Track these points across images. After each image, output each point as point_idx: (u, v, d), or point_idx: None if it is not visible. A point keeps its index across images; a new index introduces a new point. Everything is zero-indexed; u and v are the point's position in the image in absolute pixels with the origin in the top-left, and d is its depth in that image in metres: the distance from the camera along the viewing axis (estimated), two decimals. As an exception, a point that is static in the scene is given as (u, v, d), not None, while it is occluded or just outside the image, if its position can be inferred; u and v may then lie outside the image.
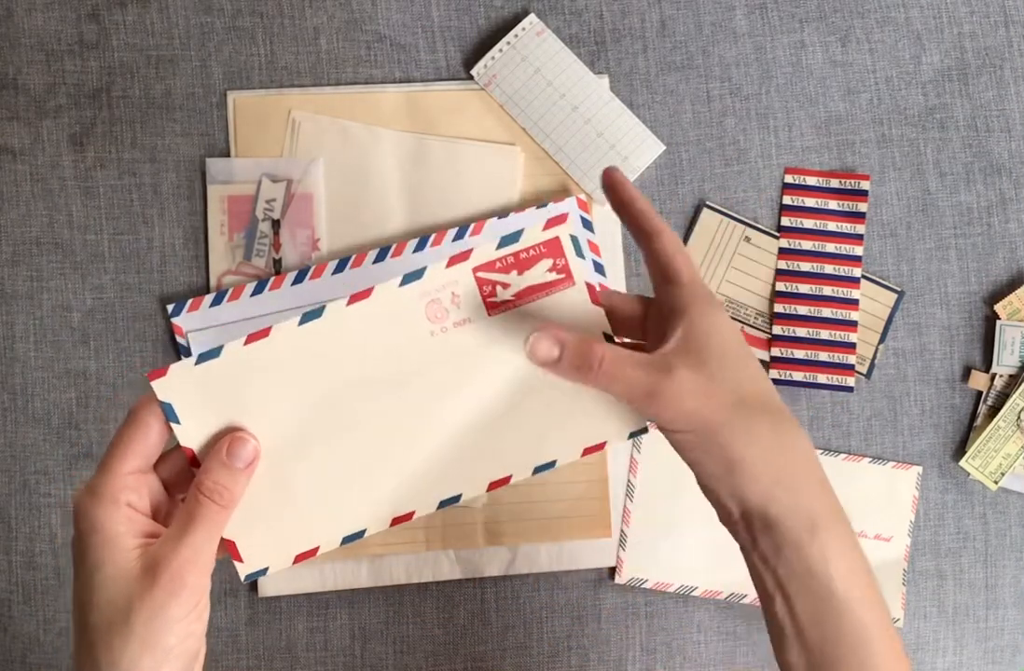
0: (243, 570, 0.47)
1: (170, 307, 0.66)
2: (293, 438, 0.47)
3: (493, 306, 0.48)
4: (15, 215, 0.67)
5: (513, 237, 0.48)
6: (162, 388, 0.45)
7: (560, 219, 0.48)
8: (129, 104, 0.68)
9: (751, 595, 0.67)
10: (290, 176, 0.67)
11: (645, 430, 0.49)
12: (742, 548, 0.45)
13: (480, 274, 0.48)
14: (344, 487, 0.48)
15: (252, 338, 0.46)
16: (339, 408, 0.48)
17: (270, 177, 0.67)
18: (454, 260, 0.48)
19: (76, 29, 0.68)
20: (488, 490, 0.49)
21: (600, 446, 0.49)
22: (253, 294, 0.65)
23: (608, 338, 0.49)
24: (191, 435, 0.46)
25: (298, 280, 0.66)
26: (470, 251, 0.48)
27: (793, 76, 0.69)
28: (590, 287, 0.49)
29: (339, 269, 0.66)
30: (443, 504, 0.49)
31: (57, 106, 0.67)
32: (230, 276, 0.67)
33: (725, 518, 0.45)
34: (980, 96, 0.69)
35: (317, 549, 0.48)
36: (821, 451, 0.68)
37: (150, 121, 0.68)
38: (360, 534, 0.49)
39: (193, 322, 0.66)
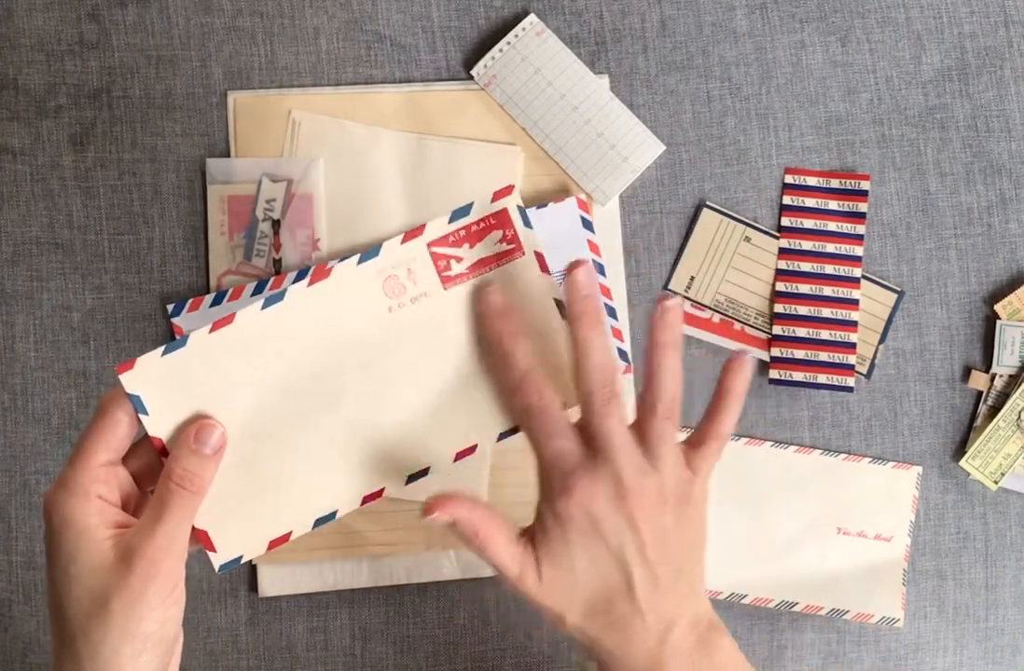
0: (217, 560, 0.47)
1: (170, 307, 0.66)
2: (260, 423, 0.48)
3: (448, 279, 0.49)
4: (15, 215, 0.67)
5: (464, 211, 0.49)
6: (130, 381, 0.46)
7: (507, 191, 0.49)
8: (129, 104, 0.68)
9: (751, 595, 0.67)
10: (290, 176, 0.67)
11: None
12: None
13: (434, 249, 0.49)
14: (312, 469, 0.49)
15: (217, 325, 0.47)
16: (304, 390, 0.48)
17: (270, 177, 0.67)
18: (408, 236, 0.49)
19: (76, 29, 0.68)
20: (455, 461, 0.50)
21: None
22: (253, 294, 0.66)
23: (558, 304, 0.50)
24: (160, 425, 0.46)
25: (298, 280, 0.65)
26: (423, 226, 0.49)
27: (793, 76, 0.69)
28: (539, 256, 0.50)
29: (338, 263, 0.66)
30: (411, 478, 0.50)
31: (57, 106, 0.67)
32: (230, 276, 0.67)
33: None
34: (980, 96, 0.69)
35: (290, 534, 0.49)
36: (821, 451, 0.68)
37: (150, 121, 0.68)
38: (332, 515, 0.49)
39: (193, 322, 0.66)
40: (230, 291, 0.66)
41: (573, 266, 0.48)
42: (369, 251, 0.48)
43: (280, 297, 0.47)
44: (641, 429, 0.48)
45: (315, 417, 0.48)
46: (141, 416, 0.46)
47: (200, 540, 0.47)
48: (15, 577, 0.66)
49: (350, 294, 0.48)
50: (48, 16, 0.68)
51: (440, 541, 0.66)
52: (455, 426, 0.50)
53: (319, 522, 0.49)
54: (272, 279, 0.66)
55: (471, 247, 0.49)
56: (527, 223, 0.50)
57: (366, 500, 0.49)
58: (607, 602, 0.47)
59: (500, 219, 0.50)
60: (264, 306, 0.47)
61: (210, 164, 0.67)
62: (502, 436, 0.50)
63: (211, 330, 0.47)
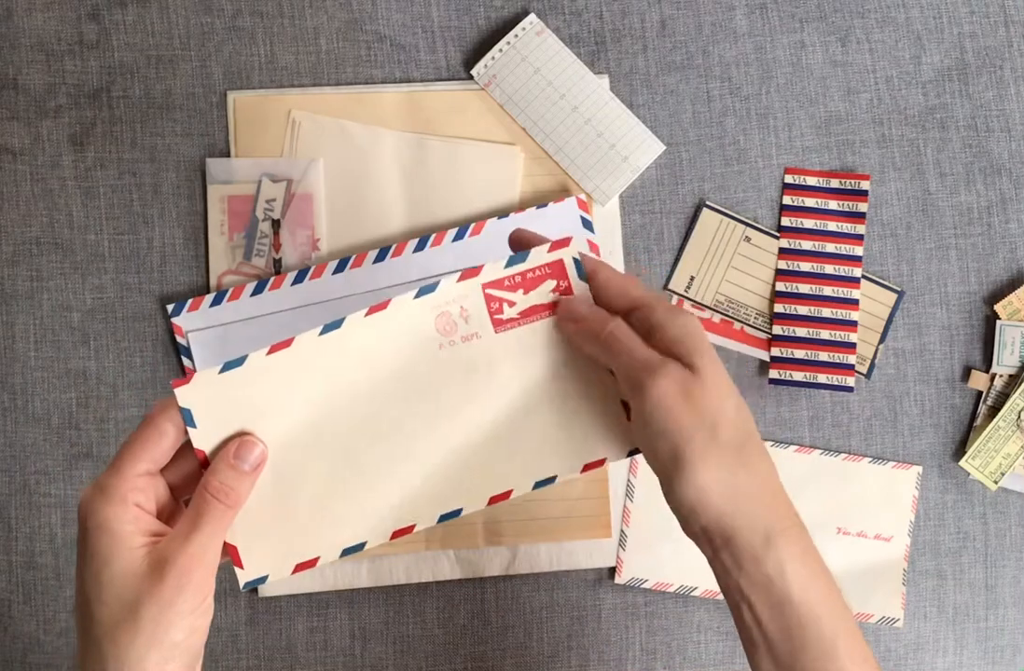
0: (243, 577, 0.48)
1: (170, 307, 0.66)
2: (302, 447, 0.48)
3: (499, 323, 0.50)
4: (15, 215, 0.67)
5: (520, 257, 0.50)
6: (184, 394, 0.46)
7: (564, 242, 0.50)
8: (129, 104, 0.68)
9: (751, 595, 0.67)
10: (290, 176, 0.67)
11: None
12: (708, 560, 0.47)
13: (488, 290, 0.50)
14: (347, 498, 0.49)
15: (275, 348, 0.48)
16: (348, 418, 0.49)
17: (270, 177, 0.67)
18: (465, 275, 0.49)
19: (76, 29, 0.68)
20: (489, 504, 0.50)
21: (600, 462, 0.50)
22: (253, 294, 0.66)
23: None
24: (206, 439, 0.47)
25: (298, 280, 0.66)
26: (481, 267, 0.49)
27: (793, 76, 0.69)
28: (593, 246, 0.50)
29: (339, 269, 0.66)
30: (443, 518, 0.50)
31: (57, 106, 0.67)
32: (230, 276, 0.67)
33: (688, 531, 0.47)
34: (980, 96, 0.69)
35: (317, 559, 0.49)
36: (821, 451, 0.68)
37: (150, 121, 0.68)
38: (360, 546, 0.50)
39: (193, 322, 0.66)
40: (230, 291, 0.66)
41: (562, 305, 0.49)
42: (427, 287, 0.49)
43: (338, 325, 0.48)
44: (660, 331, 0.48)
45: (355, 446, 0.49)
46: (189, 429, 0.46)
47: (229, 554, 0.48)
48: (15, 577, 0.66)
49: (404, 327, 0.49)
50: (48, 16, 0.68)
51: (440, 541, 0.66)
52: (494, 470, 0.50)
53: (347, 552, 0.49)
54: (272, 279, 0.66)
55: (525, 293, 0.50)
56: (582, 276, 0.50)
57: (395, 535, 0.50)
58: (746, 430, 0.46)
59: (556, 269, 0.50)
60: (322, 332, 0.48)
61: (210, 164, 0.67)
62: (538, 485, 0.50)
63: (269, 352, 0.47)
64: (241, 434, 0.47)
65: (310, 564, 0.49)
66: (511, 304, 0.50)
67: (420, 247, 0.66)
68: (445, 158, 0.67)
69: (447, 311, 0.49)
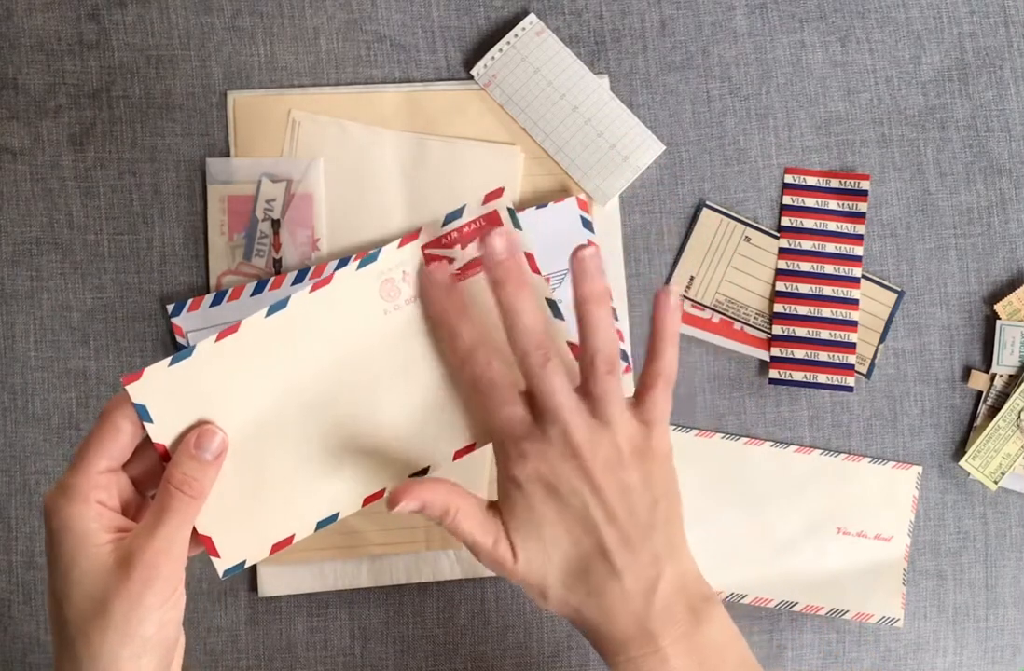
0: (221, 565, 0.48)
1: (170, 307, 0.66)
2: (262, 429, 0.48)
3: None
4: (15, 215, 0.67)
5: (456, 214, 0.50)
6: (137, 391, 0.46)
7: (496, 193, 0.50)
8: (129, 104, 0.68)
9: (751, 595, 0.67)
10: (290, 176, 0.67)
11: None
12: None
13: (427, 251, 0.50)
14: (313, 472, 0.49)
15: (223, 334, 0.47)
16: (305, 394, 0.49)
17: (270, 177, 0.67)
18: (405, 240, 0.50)
19: (76, 29, 0.68)
20: (454, 459, 0.50)
21: None
22: (253, 294, 0.66)
23: (551, 303, 0.50)
24: (164, 432, 0.46)
25: (298, 280, 0.66)
26: (419, 230, 0.50)
27: (793, 76, 0.69)
28: (529, 257, 0.50)
29: (339, 269, 0.66)
30: (413, 477, 0.50)
31: (57, 106, 0.67)
32: (230, 276, 0.67)
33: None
34: (980, 96, 0.69)
35: (292, 537, 0.49)
36: (821, 451, 0.68)
37: (150, 121, 0.68)
38: (334, 517, 0.50)
39: (193, 322, 0.66)
40: (230, 291, 0.66)
41: (486, 236, 0.47)
42: (368, 255, 0.49)
43: (283, 304, 0.48)
44: (585, 388, 0.48)
45: (315, 421, 0.49)
46: (146, 424, 0.46)
47: (204, 545, 0.47)
48: (15, 577, 0.66)
49: (349, 299, 0.49)
50: (48, 16, 0.68)
51: (440, 541, 0.66)
52: (453, 425, 0.50)
53: (321, 524, 0.49)
54: (272, 279, 0.66)
55: (462, 248, 0.50)
56: (517, 225, 0.50)
57: (367, 501, 0.50)
58: (583, 567, 0.47)
59: (491, 221, 0.50)
60: (268, 313, 0.48)
61: (210, 164, 0.67)
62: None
63: (217, 339, 0.47)
64: (200, 423, 0.47)
65: (286, 543, 0.49)
66: (450, 261, 0.50)
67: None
68: (445, 158, 0.67)
69: (391, 277, 0.49)
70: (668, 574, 0.47)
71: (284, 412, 0.48)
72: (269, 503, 0.48)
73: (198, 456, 0.46)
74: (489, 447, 0.50)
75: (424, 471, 0.50)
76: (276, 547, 0.49)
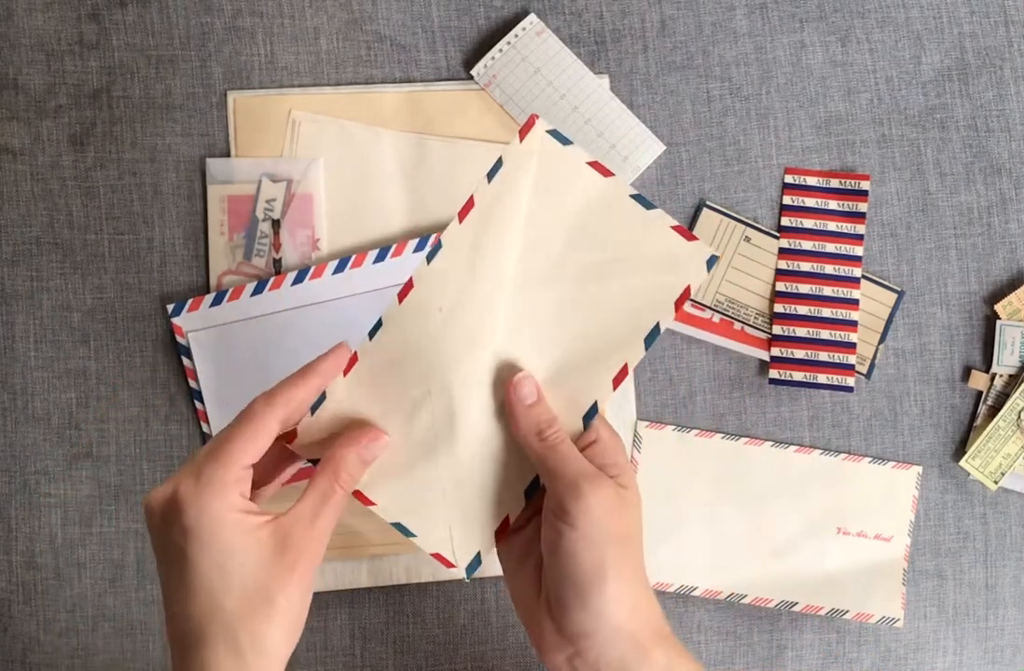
0: (462, 565, 0.50)
1: (170, 307, 0.66)
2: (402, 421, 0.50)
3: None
4: (15, 215, 0.67)
5: (497, 166, 0.50)
6: (298, 447, 0.49)
7: (529, 124, 0.50)
8: (129, 104, 0.68)
9: (751, 595, 0.67)
10: (290, 176, 0.67)
11: (717, 257, 0.50)
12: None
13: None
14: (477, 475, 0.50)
15: (349, 368, 0.49)
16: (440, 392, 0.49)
17: (270, 177, 0.67)
18: (462, 214, 0.50)
19: (76, 29, 0.68)
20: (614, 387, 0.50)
21: (687, 292, 0.49)
22: (253, 294, 0.66)
23: (639, 199, 0.50)
24: (331, 411, 0.49)
25: (298, 280, 0.66)
26: (471, 199, 0.50)
27: (793, 76, 0.69)
28: (594, 164, 0.50)
29: (339, 269, 0.66)
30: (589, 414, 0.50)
31: (57, 106, 0.67)
32: (230, 276, 0.67)
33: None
34: (980, 96, 0.69)
35: (508, 517, 0.50)
36: (821, 451, 0.68)
37: (150, 121, 0.68)
38: (536, 484, 0.50)
39: (193, 322, 0.66)
40: (230, 291, 0.66)
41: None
42: (432, 251, 0.49)
43: (380, 324, 0.49)
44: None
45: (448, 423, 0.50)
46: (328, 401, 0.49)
47: (440, 562, 0.50)
48: (15, 577, 0.66)
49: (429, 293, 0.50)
50: (48, 16, 0.68)
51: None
52: (606, 346, 0.50)
53: (527, 493, 0.50)
54: (272, 279, 0.66)
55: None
56: (566, 142, 0.50)
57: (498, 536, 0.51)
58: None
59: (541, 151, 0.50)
60: (370, 333, 0.49)
61: (210, 164, 0.67)
62: (648, 340, 0.50)
63: (344, 374, 0.49)
64: (362, 424, 0.49)
65: (505, 525, 0.50)
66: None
67: (420, 247, 0.66)
68: (445, 158, 0.67)
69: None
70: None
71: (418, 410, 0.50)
72: (464, 500, 0.50)
73: (364, 458, 0.48)
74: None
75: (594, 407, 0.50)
76: (498, 532, 0.50)
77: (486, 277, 0.49)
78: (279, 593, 0.44)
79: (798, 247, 0.68)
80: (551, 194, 0.50)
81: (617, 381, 0.49)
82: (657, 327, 0.49)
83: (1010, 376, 0.68)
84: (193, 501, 0.44)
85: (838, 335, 0.68)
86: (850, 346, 0.67)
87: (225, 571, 0.44)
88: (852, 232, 0.68)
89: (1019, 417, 0.67)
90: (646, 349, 0.49)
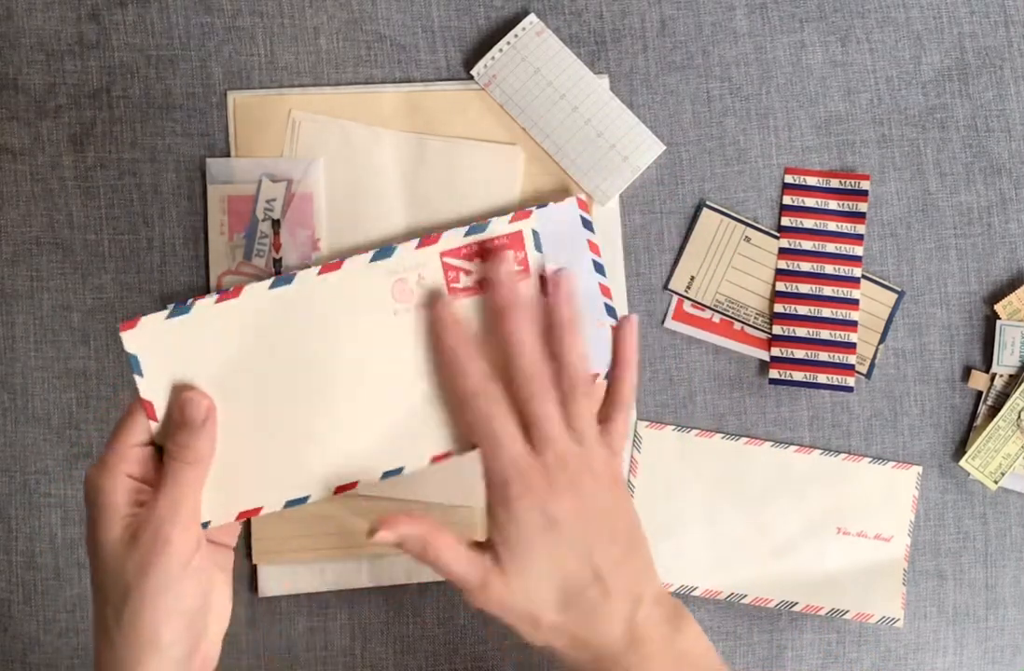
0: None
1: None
2: (249, 400, 0.49)
3: (454, 291, 0.51)
4: (15, 215, 0.67)
5: (481, 227, 0.51)
6: (130, 339, 0.47)
7: (525, 214, 0.52)
8: (129, 104, 0.68)
9: (751, 595, 0.67)
10: (290, 176, 0.67)
11: None
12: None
13: (446, 259, 0.50)
14: (292, 453, 0.50)
15: (223, 297, 0.48)
16: (295, 374, 0.49)
17: (270, 177, 0.67)
18: (424, 242, 0.50)
19: (76, 29, 0.68)
20: (431, 463, 0.51)
21: None
22: (253, 294, 0.65)
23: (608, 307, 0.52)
24: (153, 388, 0.48)
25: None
26: (439, 235, 0.50)
27: (793, 76, 0.69)
28: (542, 279, 0.52)
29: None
30: (386, 475, 0.51)
31: (57, 106, 0.67)
32: (230, 276, 0.67)
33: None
34: (980, 96, 0.69)
35: (260, 509, 0.50)
36: (821, 451, 0.68)
37: (150, 121, 0.68)
38: (303, 499, 0.50)
39: (193, 322, 0.66)
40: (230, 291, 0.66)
41: (494, 260, 0.49)
42: (383, 250, 0.49)
43: (289, 280, 0.48)
44: (565, 411, 0.50)
45: (301, 403, 0.49)
46: (136, 377, 0.47)
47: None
48: (15, 577, 0.66)
49: (358, 290, 0.49)
50: (48, 16, 0.68)
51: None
52: (435, 431, 0.51)
53: (290, 504, 0.50)
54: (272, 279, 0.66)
55: (482, 262, 0.50)
56: (539, 247, 0.51)
57: (339, 490, 0.50)
58: (578, 592, 0.48)
59: (514, 240, 0.51)
60: (272, 286, 0.48)
61: (210, 164, 0.67)
62: (476, 446, 0.51)
63: (217, 300, 0.47)
64: (184, 389, 0.48)
65: (253, 513, 0.49)
66: (467, 273, 0.51)
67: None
68: (445, 158, 0.67)
69: (404, 278, 0.50)
70: (648, 590, 0.50)
71: (272, 388, 0.49)
72: (244, 472, 0.49)
73: (184, 424, 0.47)
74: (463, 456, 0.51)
75: (399, 470, 0.50)
76: (242, 515, 0.49)
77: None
78: (130, 573, 0.45)
79: (798, 247, 0.68)
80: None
81: (436, 460, 0.51)
82: None
83: (1010, 376, 0.68)
84: (87, 481, 0.47)
85: (838, 335, 0.68)
86: (850, 346, 0.67)
87: (99, 552, 0.47)
88: (852, 232, 0.68)
89: (1019, 417, 0.67)
90: (473, 450, 0.50)
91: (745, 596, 0.67)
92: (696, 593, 0.67)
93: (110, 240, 0.67)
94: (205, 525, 0.49)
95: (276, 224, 0.67)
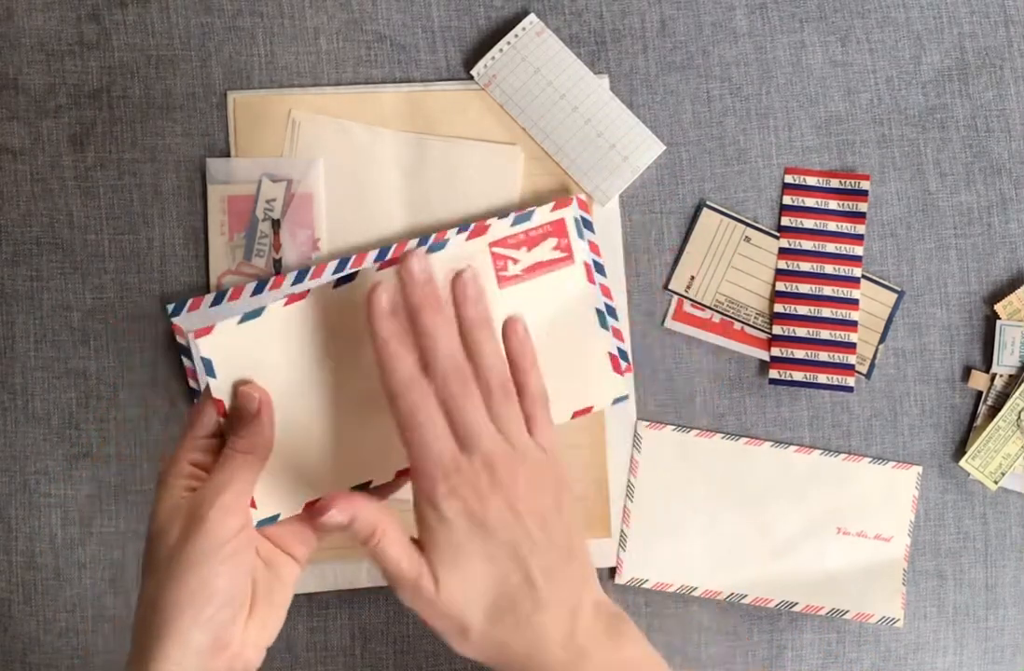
0: (256, 516, 0.49)
1: (170, 307, 0.66)
2: (309, 396, 0.49)
3: (504, 279, 0.52)
4: (15, 215, 0.67)
5: (526, 216, 0.53)
6: (205, 345, 0.48)
7: (567, 201, 0.54)
8: (129, 104, 0.68)
9: (751, 595, 0.67)
10: (290, 176, 0.67)
11: (626, 397, 0.53)
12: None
13: (495, 249, 0.52)
14: (345, 444, 0.50)
15: (291, 300, 0.49)
16: (354, 369, 0.49)
17: (270, 177, 0.67)
18: (473, 234, 0.51)
19: (76, 29, 0.68)
20: (395, 478, 0.51)
21: (588, 410, 0.53)
22: (253, 294, 0.65)
23: (600, 314, 0.54)
24: (224, 388, 0.49)
25: (298, 280, 0.66)
26: (487, 226, 0.51)
27: (793, 76, 0.69)
28: (587, 266, 0.54)
29: (339, 269, 0.66)
30: (356, 489, 0.50)
31: (57, 106, 0.67)
32: (230, 276, 0.67)
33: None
34: (980, 96, 0.69)
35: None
36: (821, 451, 0.68)
37: (150, 121, 0.68)
38: (367, 485, 0.50)
39: (193, 322, 0.66)
40: (230, 291, 0.66)
41: (404, 257, 0.47)
42: (437, 244, 0.50)
43: (351, 278, 0.49)
44: (490, 412, 0.47)
45: (353, 402, 0.50)
46: (208, 379, 0.48)
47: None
48: (15, 577, 0.66)
49: None
50: (48, 16, 0.68)
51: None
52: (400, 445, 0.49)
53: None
54: (272, 279, 0.66)
55: (528, 250, 0.52)
56: (581, 234, 0.52)
57: (305, 507, 0.50)
58: (510, 600, 0.46)
59: (557, 228, 0.53)
60: (336, 285, 0.49)
61: (210, 164, 0.67)
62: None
63: (286, 303, 0.48)
64: (242, 383, 0.49)
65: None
66: (515, 262, 0.52)
67: (420, 246, 0.66)
68: (445, 158, 0.67)
69: (456, 267, 0.49)
70: (587, 599, 0.48)
71: (324, 385, 0.49)
72: (306, 463, 0.50)
73: (239, 416, 0.48)
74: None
75: (367, 485, 0.50)
76: (308, 505, 0.50)
77: None
78: (173, 552, 0.46)
79: (798, 247, 0.68)
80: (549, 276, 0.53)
81: (400, 474, 0.51)
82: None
83: (1010, 376, 0.68)
84: (161, 470, 0.49)
85: (838, 335, 0.68)
86: (850, 346, 0.67)
87: (156, 531, 0.48)
88: (852, 232, 0.68)
89: (1019, 417, 0.67)
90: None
91: (745, 596, 0.67)
92: (696, 593, 0.67)
93: (110, 240, 0.67)
94: (275, 518, 0.49)
95: (276, 224, 0.67)
